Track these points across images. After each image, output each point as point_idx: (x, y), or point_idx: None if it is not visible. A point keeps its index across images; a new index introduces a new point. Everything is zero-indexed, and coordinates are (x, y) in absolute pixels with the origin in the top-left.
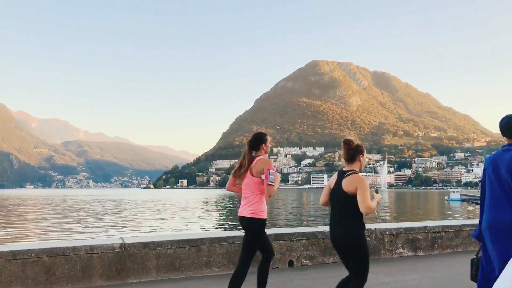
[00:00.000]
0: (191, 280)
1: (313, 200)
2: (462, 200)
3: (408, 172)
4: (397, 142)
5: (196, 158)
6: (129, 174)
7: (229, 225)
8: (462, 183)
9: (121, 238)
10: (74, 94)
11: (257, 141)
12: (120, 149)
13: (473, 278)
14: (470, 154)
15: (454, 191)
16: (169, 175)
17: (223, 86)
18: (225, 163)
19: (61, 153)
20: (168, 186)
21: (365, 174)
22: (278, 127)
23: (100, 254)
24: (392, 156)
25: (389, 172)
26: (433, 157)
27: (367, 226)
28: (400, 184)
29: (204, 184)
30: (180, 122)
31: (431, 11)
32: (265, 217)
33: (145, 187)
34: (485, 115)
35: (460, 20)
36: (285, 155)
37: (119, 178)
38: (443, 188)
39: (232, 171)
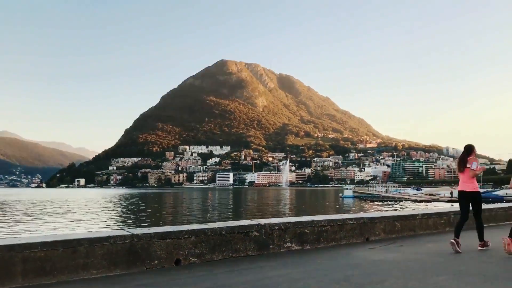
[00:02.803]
0: (64, 284)
1: (218, 198)
2: (355, 197)
3: (308, 171)
4: (299, 142)
5: (96, 155)
6: (17, 172)
7: (114, 224)
8: (355, 181)
9: None
10: None
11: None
12: (8, 145)
13: None
14: (363, 154)
15: (347, 189)
16: (64, 173)
17: (127, 81)
18: (127, 161)
19: None
20: (63, 185)
21: (268, 172)
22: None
23: None
24: (294, 156)
25: (291, 170)
26: (330, 157)
27: (257, 221)
28: (301, 182)
29: (104, 183)
30: (78, 117)
31: (336, 18)
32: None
33: (36, 186)
34: (377, 119)
35: (360, 30)
36: (191, 154)
37: (6, 176)
38: (338, 186)
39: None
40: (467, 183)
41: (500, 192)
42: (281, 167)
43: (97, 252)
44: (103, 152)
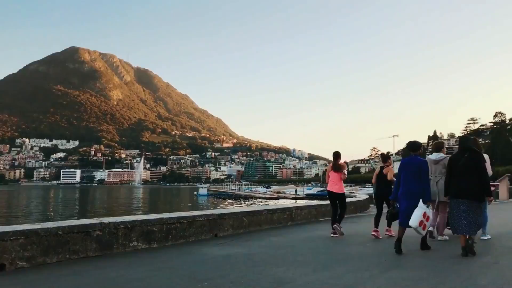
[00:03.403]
0: None
1: (61, 197)
2: (209, 195)
3: (163, 169)
4: (155, 139)
5: None
6: None
7: None
8: (211, 179)
9: None
10: None
11: None
12: None
13: (389, 218)
14: (219, 153)
15: (202, 187)
16: None
17: None
18: None
19: None
20: None
21: (121, 170)
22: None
23: None
24: (149, 153)
25: (145, 168)
26: (187, 155)
27: (101, 220)
28: (155, 180)
29: None
30: None
31: (198, 15)
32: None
33: None
34: (234, 119)
35: (220, 28)
36: (32, 147)
37: None
38: (194, 185)
39: None
40: (335, 185)
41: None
42: (135, 164)
43: None
44: None
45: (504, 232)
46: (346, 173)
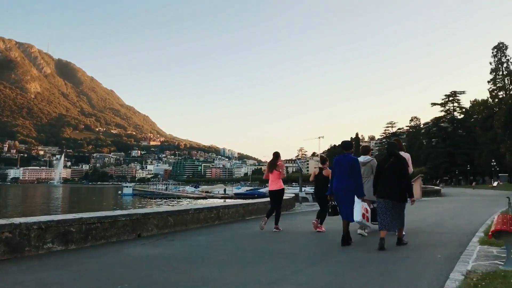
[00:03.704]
0: None
1: None
2: (135, 195)
3: (86, 167)
4: (77, 136)
5: None
6: None
7: None
8: (137, 178)
9: None
10: None
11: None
12: None
13: (330, 213)
14: (146, 152)
15: (127, 186)
16: None
17: None
18: None
19: None
20: None
21: (38, 168)
22: None
23: None
24: (71, 150)
25: (66, 166)
26: (112, 153)
27: (11, 221)
28: (77, 179)
29: None
30: None
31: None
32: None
33: None
34: (162, 117)
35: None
36: None
37: None
38: (119, 184)
39: None
40: (274, 183)
41: (264, 189)
42: (55, 162)
43: None
44: None
45: (414, 228)
46: (284, 172)
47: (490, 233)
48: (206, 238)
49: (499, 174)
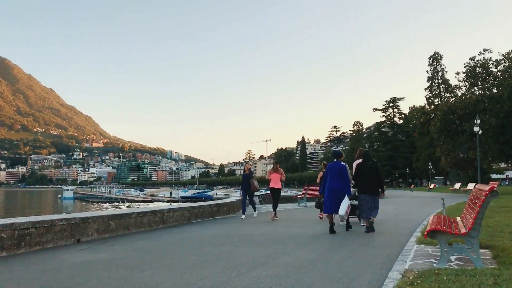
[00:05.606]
0: None
1: None
2: (76, 198)
3: (22, 170)
4: (13, 136)
5: None
6: None
7: None
8: (78, 181)
9: None
10: None
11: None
12: None
13: (317, 206)
14: (88, 154)
15: (68, 190)
16: None
17: None
18: None
19: None
20: None
21: None
22: None
23: None
24: (5, 152)
25: (0, 169)
26: (51, 155)
27: None
28: (12, 182)
29: None
30: None
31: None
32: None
33: None
34: (106, 118)
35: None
36: None
37: None
38: (59, 187)
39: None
40: (276, 183)
41: (211, 193)
42: None
43: None
44: None
45: (358, 229)
46: (284, 177)
47: (425, 233)
48: (149, 242)
49: (435, 177)
